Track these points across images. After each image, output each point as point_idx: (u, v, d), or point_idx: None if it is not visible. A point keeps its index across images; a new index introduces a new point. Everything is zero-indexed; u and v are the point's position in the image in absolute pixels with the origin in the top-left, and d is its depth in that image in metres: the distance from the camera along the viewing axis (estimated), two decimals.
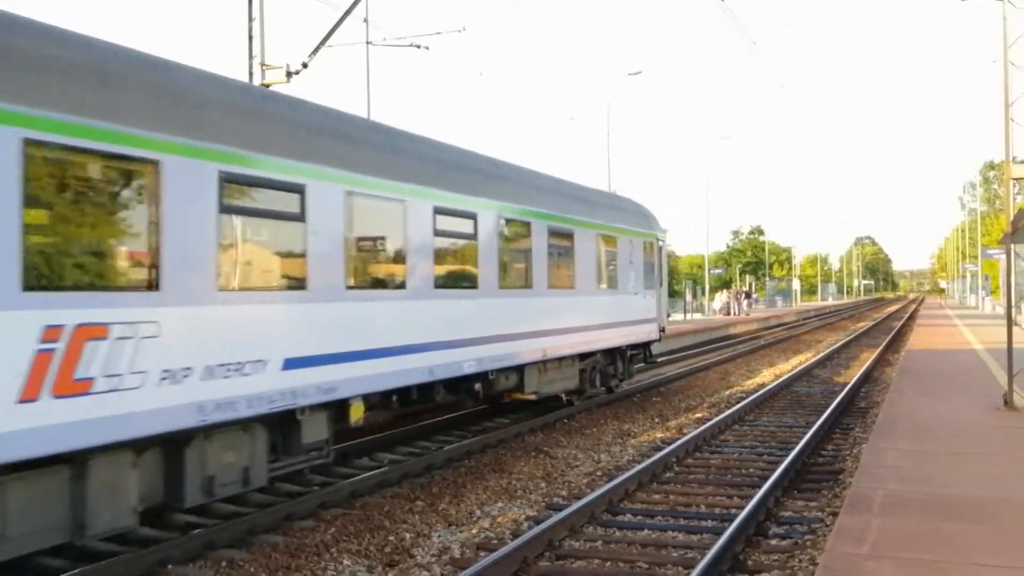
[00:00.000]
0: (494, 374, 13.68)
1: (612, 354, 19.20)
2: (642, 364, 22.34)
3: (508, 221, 14.13)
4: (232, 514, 9.96)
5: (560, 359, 16.30)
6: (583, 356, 17.49)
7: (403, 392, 11.84)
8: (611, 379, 19.45)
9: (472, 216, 13.06)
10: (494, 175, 14.28)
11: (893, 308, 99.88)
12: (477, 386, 13.53)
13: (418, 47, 24.28)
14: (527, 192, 15.06)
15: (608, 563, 8.53)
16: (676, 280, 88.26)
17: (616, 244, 18.70)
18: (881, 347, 34.26)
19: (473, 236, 13.07)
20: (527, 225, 14.77)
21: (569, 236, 16.39)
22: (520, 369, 14.76)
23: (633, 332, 19.69)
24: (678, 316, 62.97)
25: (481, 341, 13.12)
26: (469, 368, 12.85)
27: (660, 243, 21.99)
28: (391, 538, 9.43)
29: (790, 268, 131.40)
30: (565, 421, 17.10)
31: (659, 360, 31.16)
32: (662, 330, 21.93)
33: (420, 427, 15.34)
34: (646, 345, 21.32)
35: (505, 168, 15.23)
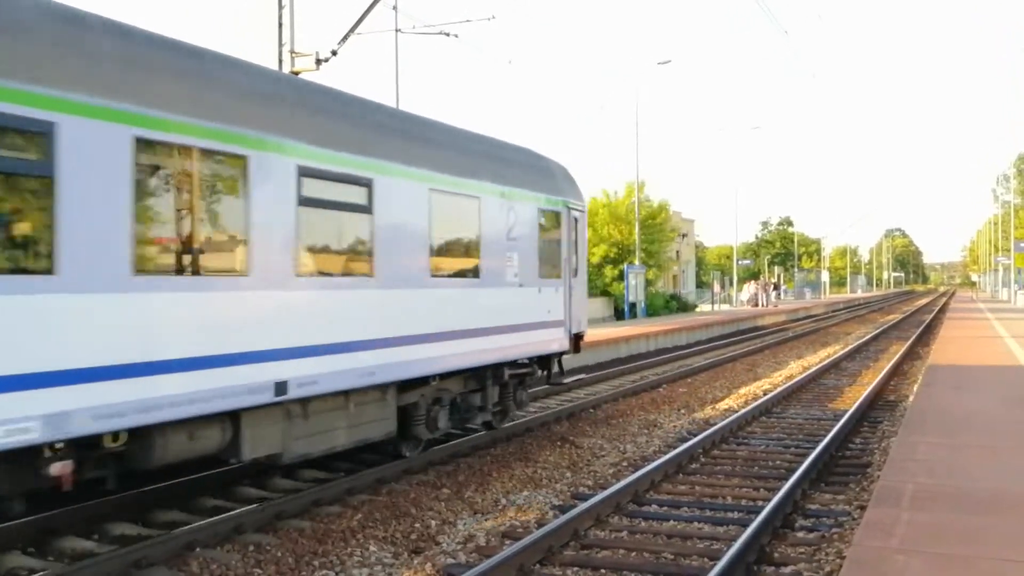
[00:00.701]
0: (125, 435, 7.73)
1: (480, 377, 13.10)
2: (545, 385, 16.47)
3: (165, 150, 7.84)
4: (259, 499, 10.04)
5: (346, 394, 10.09)
6: (404, 385, 11.27)
7: None
8: (480, 413, 13.27)
9: (44, 130, 6.86)
10: (113, 56, 7.66)
11: (923, 301, 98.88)
12: (56, 468, 7.10)
13: (447, 35, 24.29)
14: (231, 103, 8.63)
15: (633, 553, 8.51)
16: (704, 271, 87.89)
17: (480, 209, 12.40)
18: (911, 340, 33.93)
19: (47, 170, 6.87)
20: (239, 162, 8.47)
21: (361, 188, 10.07)
22: (232, 419, 8.62)
23: (518, 343, 13.43)
24: (706, 307, 62.80)
25: (70, 377, 6.92)
26: (15, 437, 6.53)
27: (575, 214, 15.39)
28: (417, 525, 9.46)
29: (819, 260, 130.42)
30: (591, 411, 17.11)
31: (683, 352, 31.18)
32: (578, 337, 15.60)
33: None
34: (548, 359, 15.12)
35: (160, 48, 8.31)
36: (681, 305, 56.50)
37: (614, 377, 23.15)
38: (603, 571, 8.03)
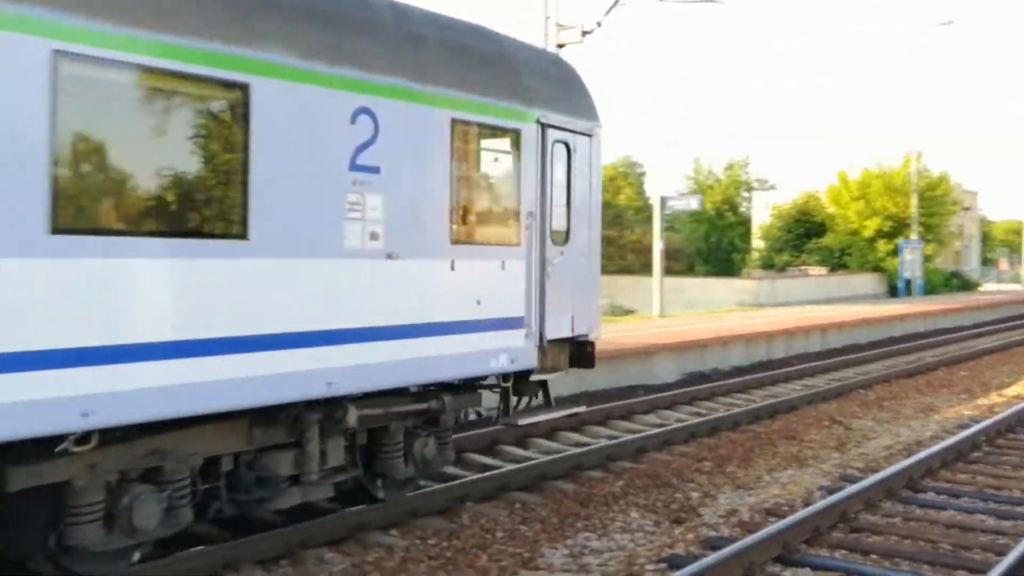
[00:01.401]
0: None
1: (295, 424, 7.06)
2: (498, 426, 9.82)
3: None
4: (524, 459, 10.41)
5: None
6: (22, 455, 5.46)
7: None
8: (301, 488, 7.24)
9: None
10: None
11: None
12: None
13: (711, 1, 23.78)
14: None
15: (907, 541, 8.08)
16: (989, 247, 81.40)
17: (252, 108, 6.30)
18: None
19: None
20: None
21: None
22: None
23: (388, 359, 7.32)
24: (991, 286, 58.29)
25: None
26: None
27: (564, 138, 9.24)
28: (678, 495, 9.46)
29: None
30: (861, 391, 16.44)
31: (965, 333, 29.04)
32: (579, 344, 9.61)
33: (705, 389, 15.29)
34: (501, 379, 8.92)
35: None
36: (962, 283, 52.63)
37: (887, 357, 22.03)
38: (874, 556, 7.69)
